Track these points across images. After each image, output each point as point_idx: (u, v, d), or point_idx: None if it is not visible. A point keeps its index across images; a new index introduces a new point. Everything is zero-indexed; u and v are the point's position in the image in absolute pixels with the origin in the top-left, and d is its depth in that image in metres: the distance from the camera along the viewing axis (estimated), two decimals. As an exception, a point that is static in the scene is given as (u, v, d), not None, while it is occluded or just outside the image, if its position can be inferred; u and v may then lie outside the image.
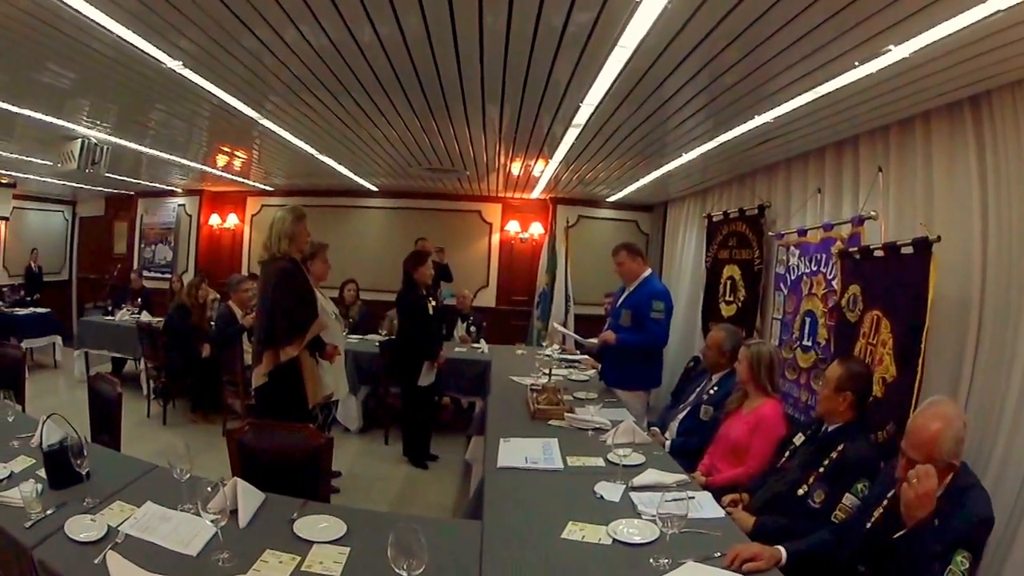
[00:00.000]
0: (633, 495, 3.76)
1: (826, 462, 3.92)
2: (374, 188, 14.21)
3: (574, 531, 3.30)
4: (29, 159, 11.15)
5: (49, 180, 13.86)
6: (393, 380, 8.72)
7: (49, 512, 3.26)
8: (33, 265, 16.25)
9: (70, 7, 4.16)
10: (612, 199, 13.45)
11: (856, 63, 4.25)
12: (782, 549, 3.13)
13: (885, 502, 3.26)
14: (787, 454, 4.37)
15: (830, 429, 4.12)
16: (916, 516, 2.87)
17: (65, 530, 3.08)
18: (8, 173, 13.78)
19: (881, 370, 4.93)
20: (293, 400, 5.70)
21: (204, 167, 11.94)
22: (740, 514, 4.03)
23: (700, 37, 4.13)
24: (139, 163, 11.74)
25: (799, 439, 4.38)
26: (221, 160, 11.37)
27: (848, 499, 3.65)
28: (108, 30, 4.54)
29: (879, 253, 5.21)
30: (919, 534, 2.85)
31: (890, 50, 3.93)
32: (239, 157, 11.14)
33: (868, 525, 3.28)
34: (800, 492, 3.92)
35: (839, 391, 4.06)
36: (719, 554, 2.98)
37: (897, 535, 2.99)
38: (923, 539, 2.83)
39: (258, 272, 6.25)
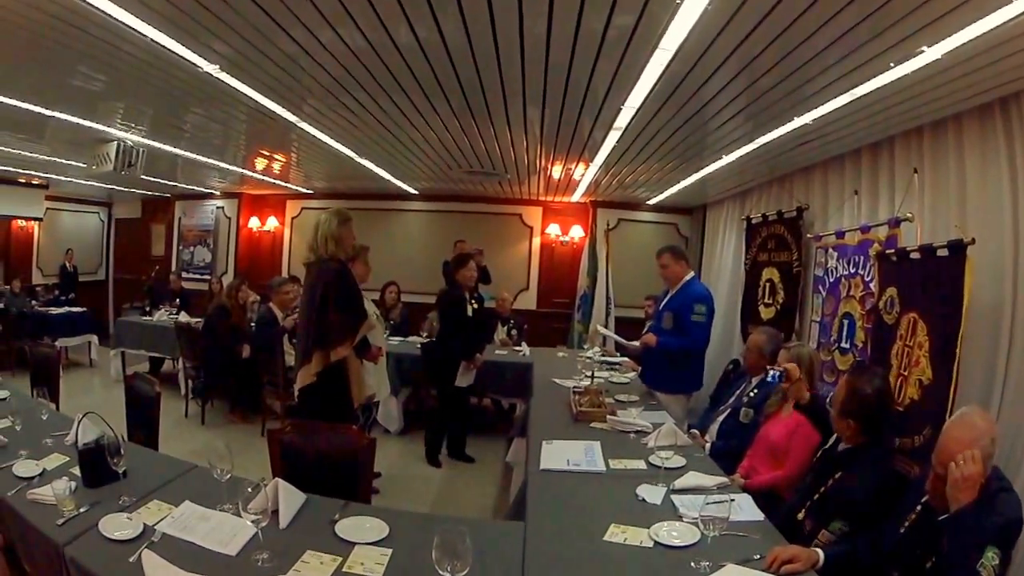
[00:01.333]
0: (675, 497, 3.80)
1: (823, 489, 3.92)
2: (414, 191, 14.44)
3: (616, 533, 3.34)
4: (62, 161, 11.41)
5: (84, 182, 14.16)
6: (430, 380, 8.85)
7: (82, 510, 3.33)
8: (68, 265, 16.63)
9: (100, 11, 4.31)
10: (652, 202, 13.57)
11: (891, 64, 4.35)
12: (820, 551, 3.20)
13: (918, 508, 3.26)
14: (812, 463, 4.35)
15: (840, 448, 4.08)
16: (959, 499, 2.90)
17: (99, 528, 3.15)
18: (40, 175, 14.15)
19: (918, 372, 5.03)
20: (338, 400, 5.81)
21: (242, 170, 12.20)
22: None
23: (738, 40, 4.24)
24: (175, 166, 11.98)
25: (816, 451, 4.40)
26: (260, 163, 11.59)
27: (823, 535, 3.68)
28: (141, 33, 4.70)
29: (915, 255, 5.30)
30: (960, 520, 2.88)
31: (923, 51, 4.05)
32: (278, 160, 11.35)
33: (901, 531, 3.29)
34: (799, 516, 3.94)
35: (842, 416, 3.96)
36: (758, 556, 3.04)
37: (942, 517, 3.01)
38: (963, 525, 2.86)
39: (300, 274, 6.39)
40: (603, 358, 8.97)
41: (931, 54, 4.07)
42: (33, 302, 14.28)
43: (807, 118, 5.87)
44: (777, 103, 5.64)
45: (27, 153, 10.81)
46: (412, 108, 6.79)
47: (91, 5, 4.20)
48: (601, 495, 3.95)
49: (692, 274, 7.36)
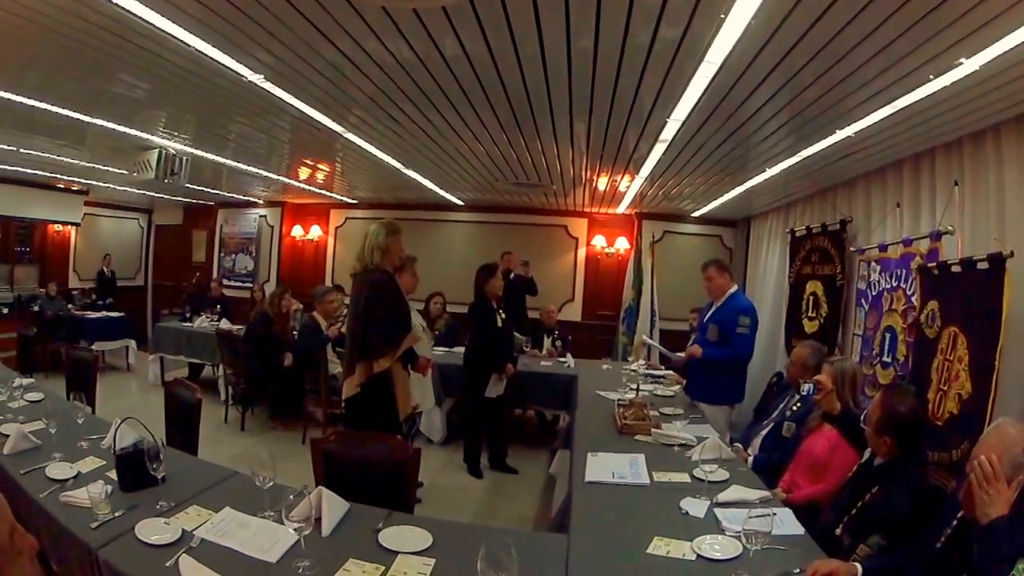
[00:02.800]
0: (717, 511, 3.86)
1: (860, 503, 3.93)
2: (460, 202, 14.63)
3: (659, 546, 3.39)
4: (102, 167, 11.69)
5: (126, 188, 14.56)
6: (462, 390, 9.04)
7: (118, 514, 3.41)
8: (106, 270, 17.08)
9: (143, 20, 4.42)
10: (696, 214, 13.71)
11: (931, 76, 4.46)
12: (858, 566, 3.22)
13: (955, 522, 3.25)
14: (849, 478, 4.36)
15: (876, 463, 4.10)
16: (986, 511, 2.91)
17: (135, 532, 3.22)
18: (81, 181, 14.48)
19: (957, 387, 5.13)
20: (383, 411, 5.84)
21: (286, 179, 12.44)
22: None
23: (781, 54, 4.38)
24: (219, 174, 12.27)
25: (855, 466, 4.38)
26: (303, 173, 11.83)
27: (861, 549, 3.68)
28: (184, 42, 4.82)
29: (956, 268, 5.41)
30: (993, 531, 2.88)
31: (962, 63, 4.17)
32: (322, 170, 11.63)
33: (938, 545, 3.29)
34: (837, 532, 3.93)
35: (878, 434, 4.00)
36: (798, 570, 3.11)
37: (977, 528, 2.99)
38: (995, 537, 2.86)
39: (345, 283, 6.53)
40: (647, 371, 9.06)
41: (969, 65, 4.18)
42: (69, 305, 14.64)
43: (849, 131, 5.99)
44: (819, 116, 5.76)
45: (67, 159, 11.10)
46: (459, 120, 6.92)
47: (133, 14, 4.34)
48: (645, 508, 4.01)
49: (736, 287, 7.55)
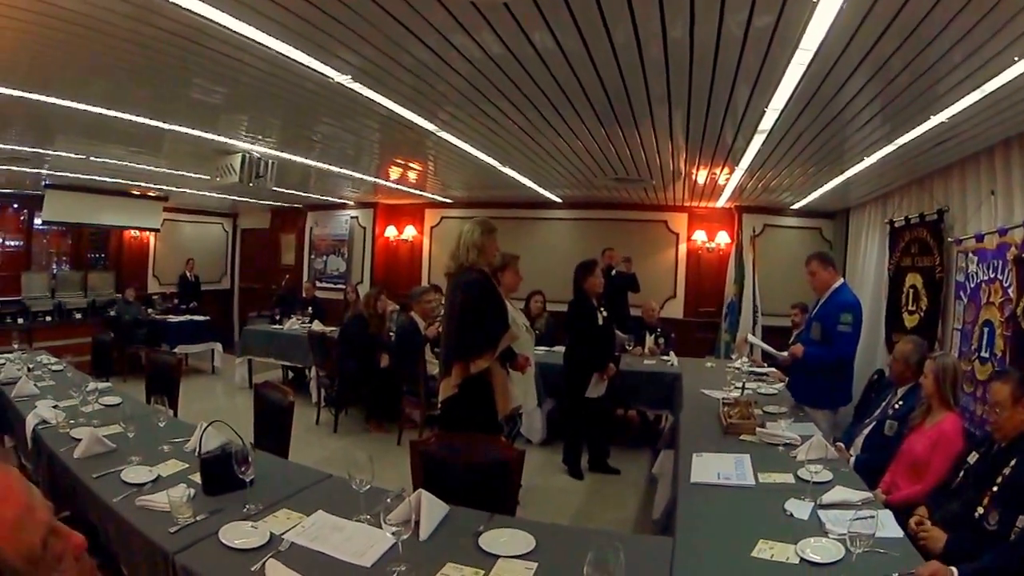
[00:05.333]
0: (821, 513, 3.92)
1: (999, 479, 3.96)
2: (558, 199, 14.96)
3: (764, 549, 3.45)
4: (181, 173, 12.29)
5: (206, 194, 15.18)
6: (563, 390, 9.19)
7: (200, 517, 3.54)
8: (189, 274, 17.91)
9: (220, 25, 4.60)
10: (796, 206, 13.83)
11: (1015, 59, 4.53)
12: (954, 570, 3.28)
13: None
14: (961, 474, 4.42)
15: (1003, 444, 4.16)
16: None
17: (219, 536, 3.33)
18: (159, 187, 15.20)
19: None
20: (482, 412, 5.96)
21: (376, 179, 12.88)
22: (932, 532, 4.09)
23: (872, 41, 4.48)
24: (307, 176, 12.78)
25: (972, 457, 4.43)
26: (394, 172, 12.24)
27: (1022, 520, 3.67)
28: (265, 46, 5.02)
29: None
30: None
31: None
32: (413, 169, 12.02)
33: None
34: (976, 514, 3.96)
35: (1017, 403, 4.07)
36: (896, 574, 3.14)
37: None
38: None
39: (441, 284, 6.75)
40: (751, 368, 9.24)
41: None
42: (149, 310, 15.40)
43: (942, 116, 6.04)
44: (912, 103, 5.86)
45: (143, 166, 11.62)
46: (555, 115, 7.09)
47: (210, 20, 4.52)
48: (750, 510, 4.10)
49: (841, 281, 7.51)
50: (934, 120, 6.20)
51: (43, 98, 6.83)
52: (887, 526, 3.63)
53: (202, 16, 4.46)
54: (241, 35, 4.81)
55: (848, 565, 3.18)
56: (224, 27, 4.65)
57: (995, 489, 3.93)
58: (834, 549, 3.37)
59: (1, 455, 4.38)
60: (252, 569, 3.06)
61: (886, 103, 5.97)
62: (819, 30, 4.28)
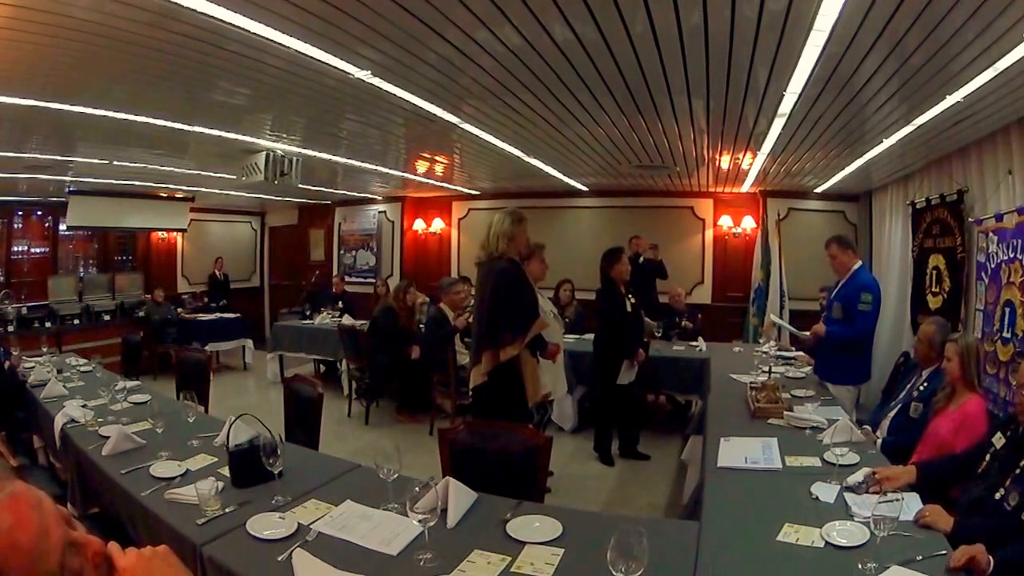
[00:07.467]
0: (847, 496, 3.93)
1: (1023, 462, 3.85)
2: (584, 188, 15.09)
3: (789, 533, 3.46)
4: (207, 173, 12.51)
5: (233, 193, 15.42)
6: (593, 378, 9.37)
7: (228, 510, 3.62)
8: (218, 273, 18.12)
9: (238, 27, 4.69)
10: (819, 190, 13.85)
11: None
12: (990, 557, 3.18)
13: None
14: (987, 457, 4.25)
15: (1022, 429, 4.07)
16: None
17: (247, 527, 3.40)
18: (185, 188, 15.51)
19: None
20: (512, 399, 6.11)
21: (403, 174, 13.07)
22: (937, 514, 3.67)
23: (885, 19, 4.45)
24: (335, 173, 13.00)
25: (999, 440, 4.26)
26: (421, 166, 12.43)
27: None
28: (284, 46, 5.10)
29: None
30: None
31: None
32: (440, 162, 12.16)
33: None
34: (997, 495, 3.84)
35: None
36: (920, 558, 3.12)
37: None
38: None
39: (469, 275, 6.83)
40: (778, 352, 9.33)
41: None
42: (179, 310, 15.57)
43: (958, 95, 6.06)
44: (928, 82, 5.87)
45: (168, 168, 11.84)
46: (577, 104, 7.16)
47: (227, 23, 4.61)
48: (777, 493, 4.11)
49: (860, 263, 7.70)
50: (950, 100, 6.24)
51: (64, 107, 6.98)
52: (913, 509, 3.63)
53: (219, 19, 4.57)
54: (259, 36, 4.91)
55: (873, 548, 3.14)
56: (242, 29, 4.76)
57: (1017, 471, 3.83)
58: (858, 532, 3.39)
59: (9, 473, 4.28)
60: (279, 560, 3.13)
61: (902, 83, 6.00)
62: (832, 10, 4.30)
